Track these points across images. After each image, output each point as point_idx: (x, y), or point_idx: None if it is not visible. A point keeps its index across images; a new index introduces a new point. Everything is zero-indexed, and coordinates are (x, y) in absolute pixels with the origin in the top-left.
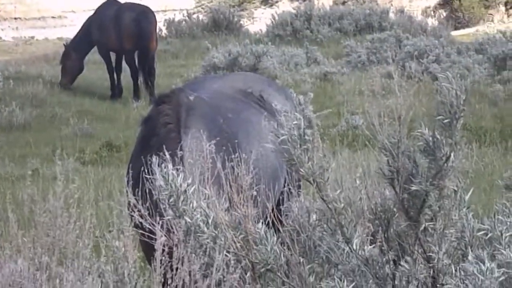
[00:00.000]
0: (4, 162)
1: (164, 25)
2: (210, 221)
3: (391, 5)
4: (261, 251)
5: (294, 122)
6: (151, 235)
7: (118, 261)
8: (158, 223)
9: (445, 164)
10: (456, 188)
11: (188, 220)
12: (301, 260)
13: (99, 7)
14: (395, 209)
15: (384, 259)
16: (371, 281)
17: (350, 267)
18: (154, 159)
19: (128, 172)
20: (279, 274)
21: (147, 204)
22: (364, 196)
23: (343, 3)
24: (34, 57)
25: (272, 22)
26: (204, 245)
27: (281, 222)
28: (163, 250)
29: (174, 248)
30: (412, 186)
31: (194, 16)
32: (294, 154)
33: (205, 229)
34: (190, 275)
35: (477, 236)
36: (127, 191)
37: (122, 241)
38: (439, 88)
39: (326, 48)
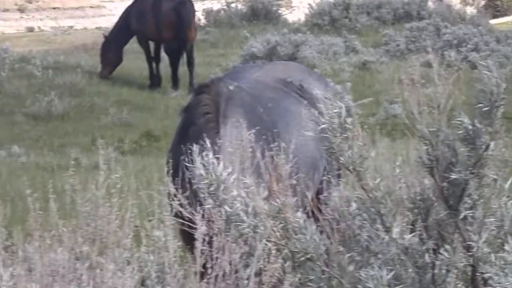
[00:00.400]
0: (44, 152)
1: (202, 15)
2: (250, 210)
3: None
4: (300, 240)
5: (335, 111)
6: (191, 224)
7: (159, 251)
8: (198, 213)
9: (485, 153)
10: (496, 177)
11: (228, 209)
12: (341, 249)
13: None
14: (434, 198)
15: (424, 248)
16: (410, 270)
17: (389, 256)
18: (194, 148)
19: (167, 162)
20: (318, 263)
21: (187, 193)
22: (404, 185)
23: None
24: (72, 47)
25: (310, 11)
26: (244, 234)
27: (320, 211)
28: (203, 240)
29: (214, 238)
30: (451, 175)
31: (233, 5)
32: (334, 143)
33: (245, 218)
34: (230, 264)
35: None
36: (166, 181)
37: (162, 230)
38: (479, 76)
39: (365, 37)
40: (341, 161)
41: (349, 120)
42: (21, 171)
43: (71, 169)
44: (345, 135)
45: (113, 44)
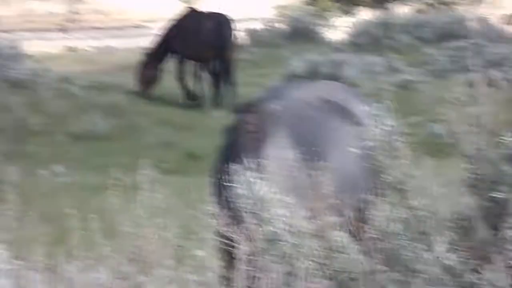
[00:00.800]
0: (85, 172)
1: (244, 34)
2: (291, 229)
3: (471, 13)
4: (342, 259)
5: (382, 129)
6: (232, 244)
7: (201, 270)
8: (240, 232)
9: None
10: None
11: (270, 228)
12: (383, 269)
13: (178, 16)
14: (477, 217)
15: (466, 267)
16: None
17: (432, 275)
18: (236, 168)
19: (210, 181)
20: (361, 282)
21: (229, 213)
22: (447, 204)
23: (423, 11)
24: (114, 67)
25: (351, 30)
26: (286, 254)
27: (363, 230)
28: (245, 259)
29: (256, 257)
30: (494, 194)
31: (274, 25)
32: (380, 162)
33: (287, 237)
34: (272, 284)
35: None
36: (209, 200)
37: (204, 250)
38: None
39: (406, 56)
40: (386, 180)
41: (395, 139)
42: (63, 190)
43: (113, 188)
44: (391, 154)
45: (151, 62)
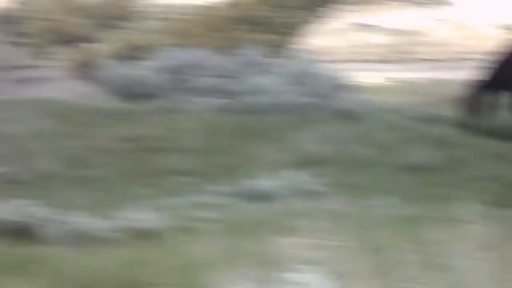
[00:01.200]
0: (413, 204)
1: None
2: None
3: None
4: None
5: None
6: None
7: None
8: None
9: None
10: None
11: None
12: None
13: (509, 48)
14: None
15: None
16: None
17: None
18: None
19: None
20: None
21: None
22: None
23: None
24: (441, 99)
25: None
26: None
27: None
28: None
29: None
30: None
31: None
32: None
33: None
34: None
35: None
36: None
37: None
38: None
39: None
40: None
41: None
42: (392, 222)
43: (438, 221)
44: None
45: (479, 94)
